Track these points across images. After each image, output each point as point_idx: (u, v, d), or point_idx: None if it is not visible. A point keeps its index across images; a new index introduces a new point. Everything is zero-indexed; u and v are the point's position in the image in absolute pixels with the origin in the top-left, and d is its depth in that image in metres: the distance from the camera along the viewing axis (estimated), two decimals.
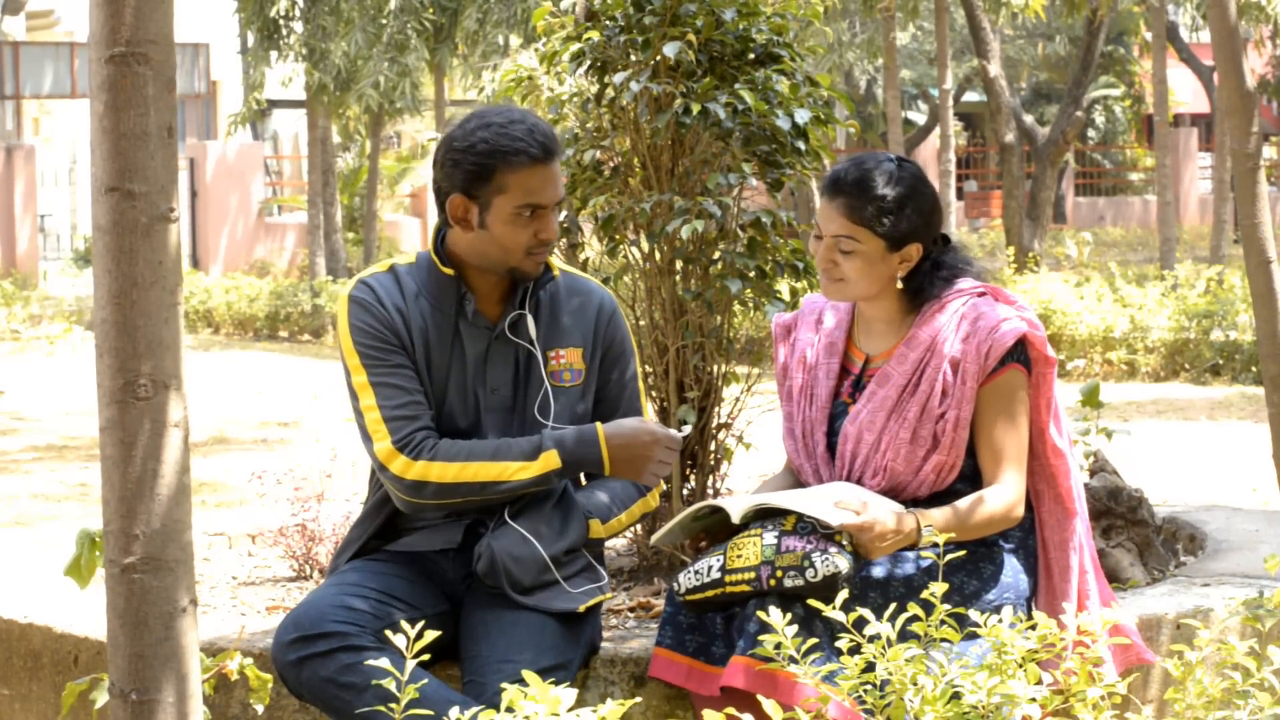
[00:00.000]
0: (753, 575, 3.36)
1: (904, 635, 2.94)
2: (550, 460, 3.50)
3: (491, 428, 3.61)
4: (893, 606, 3.00)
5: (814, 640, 2.88)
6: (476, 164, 3.49)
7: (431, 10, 20.30)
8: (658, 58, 4.27)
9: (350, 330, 3.57)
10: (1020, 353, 3.54)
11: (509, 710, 2.40)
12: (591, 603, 3.58)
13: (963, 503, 3.49)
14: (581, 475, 3.81)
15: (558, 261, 3.77)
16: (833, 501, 3.42)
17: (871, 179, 3.52)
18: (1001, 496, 3.50)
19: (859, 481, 3.56)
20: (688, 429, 3.64)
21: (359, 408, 3.56)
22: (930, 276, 3.57)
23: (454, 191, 3.53)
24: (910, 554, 3.45)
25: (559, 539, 3.56)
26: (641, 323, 4.47)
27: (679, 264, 4.38)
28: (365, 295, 3.58)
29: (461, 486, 3.50)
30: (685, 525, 3.56)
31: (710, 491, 4.50)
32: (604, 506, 3.67)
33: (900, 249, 3.54)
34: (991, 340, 3.50)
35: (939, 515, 3.45)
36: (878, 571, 3.42)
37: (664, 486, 3.91)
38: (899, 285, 3.57)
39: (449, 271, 3.58)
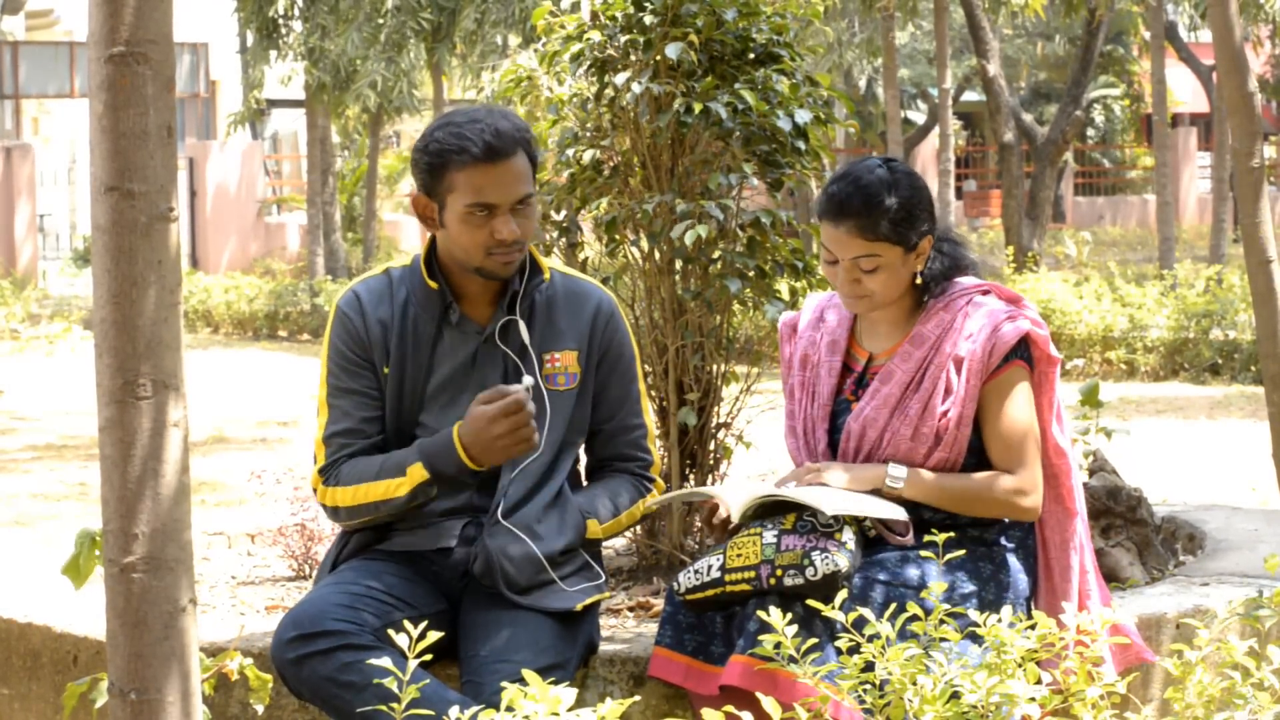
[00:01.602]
0: (753, 574, 3.36)
1: (904, 635, 2.94)
2: (417, 474, 3.52)
3: None
4: (893, 606, 3.01)
5: (814, 640, 2.88)
6: (430, 163, 3.55)
7: (429, 10, 20.29)
8: (658, 58, 4.27)
9: (329, 342, 3.66)
10: (1024, 350, 3.55)
11: (509, 710, 2.39)
12: (588, 601, 3.58)
13: (969, 475, 3.50)
14: (583, 478, 3.81)
15: (555, 263, 3.77)
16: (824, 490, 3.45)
17: (875, 193, 3.50)
18: (1012, 480, 3.50)
19: None
20: (529, 380, 3.51)
21: (316, 423, 3.67)
22: (937, 261, 3.58)
23: (419, 190, 3.59)
24: (911, 553, 3.46)
25: (555, 538, 3.56)
26: (641, 322, 4.47)
27: (678, 264, 4.38)
28: (350, 307, 3.64)
29: (361, 508, 3.58)
30: (679, 504, 3.58)
31: None
32: (603, 507, 3.67)
33: (915, 248, 3.55)
34: (995, 339, 3.51)
35: (925, 475, 3.48)
36: (878, 571, 3.42)
37: (664, 486, 3.91)
38: (919, 281, 3.58)
39: (433, 285, 3.62)
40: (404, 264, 3.70)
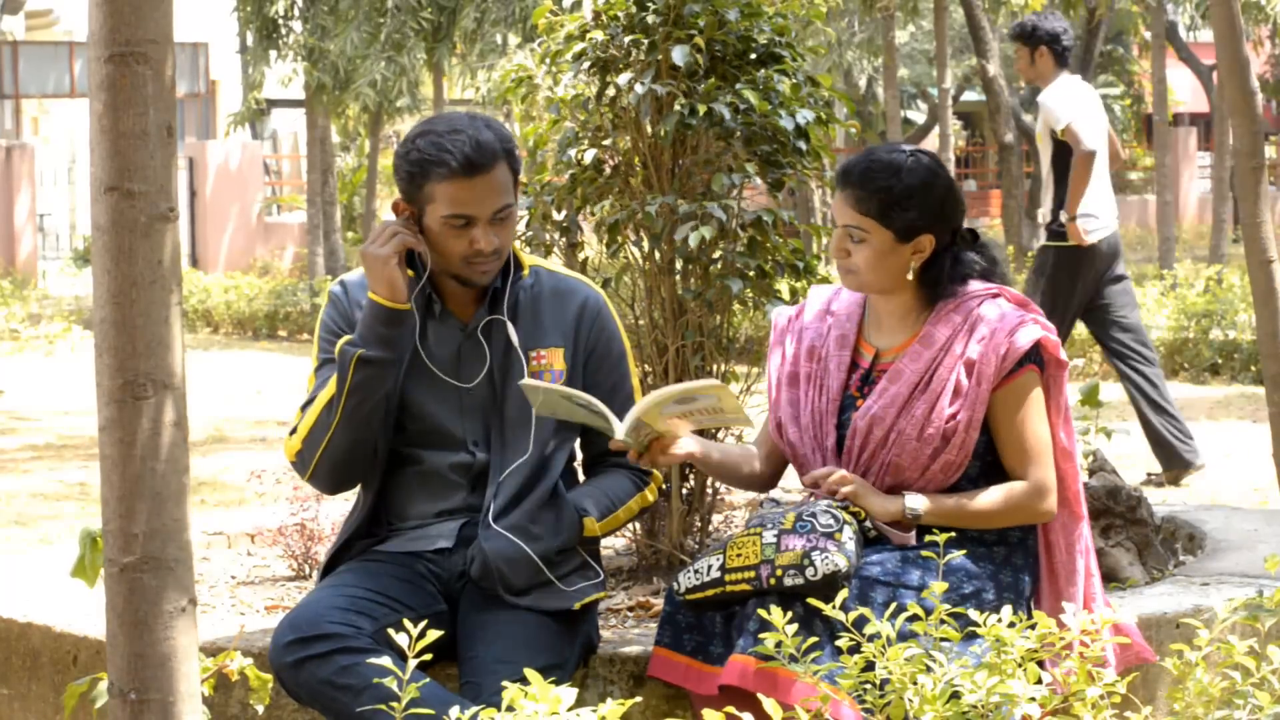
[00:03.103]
0: (752, 574, 3.36)
1: (904, 635, 2.94)
2: (341, 343, 3.53)
3: (470, 428, 3.62)
4: (893, 606, 3.01)
5: (814, 639, 2.88)
6: (410, 172, 3.55)
7: (429, 9, 20.28)
8: (660, 58, 4.27)
9: (319, 324, 3.69)
10: (1035, 355, 3.55)
11: (509, 710, 2.39)
12: (587, 600, 3.58)
13: (985, 491, 3.51)
14: (580, 474, 3.81)
15: (542, 260, 3.77)
16: None
17: (876, 171, 3.53)
18: (1028, 486, 3.51)
19: (863, 477, 3.56)
20: (392, 220, 3.58)
21: (306, 396, 3.68)
22: (948, 270, 3.57)
23: (400, 195, 3.59)
24: (911, 553, 3.45)
25: (551, 538, 3.56)
26: (641, 322, 4.47)
27: (679, 264, 4.38)
28: (338, 291, 3.69)
29: (315, 428, 3.56)
30: (560, 400, 3.46)
31: (709, 491, 4.50)
32: (598, 504, 3.66)
33: (910, 240, 3.54)
34: (1008, 344, 3.50)
35: (943, 500, 3.48)
36: (878, 571, 3.42)
37: (664, 484, 3.90)
38: (911, 277, 3.57)
39: (409, 273, 3.62)
40: None
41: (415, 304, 3.62)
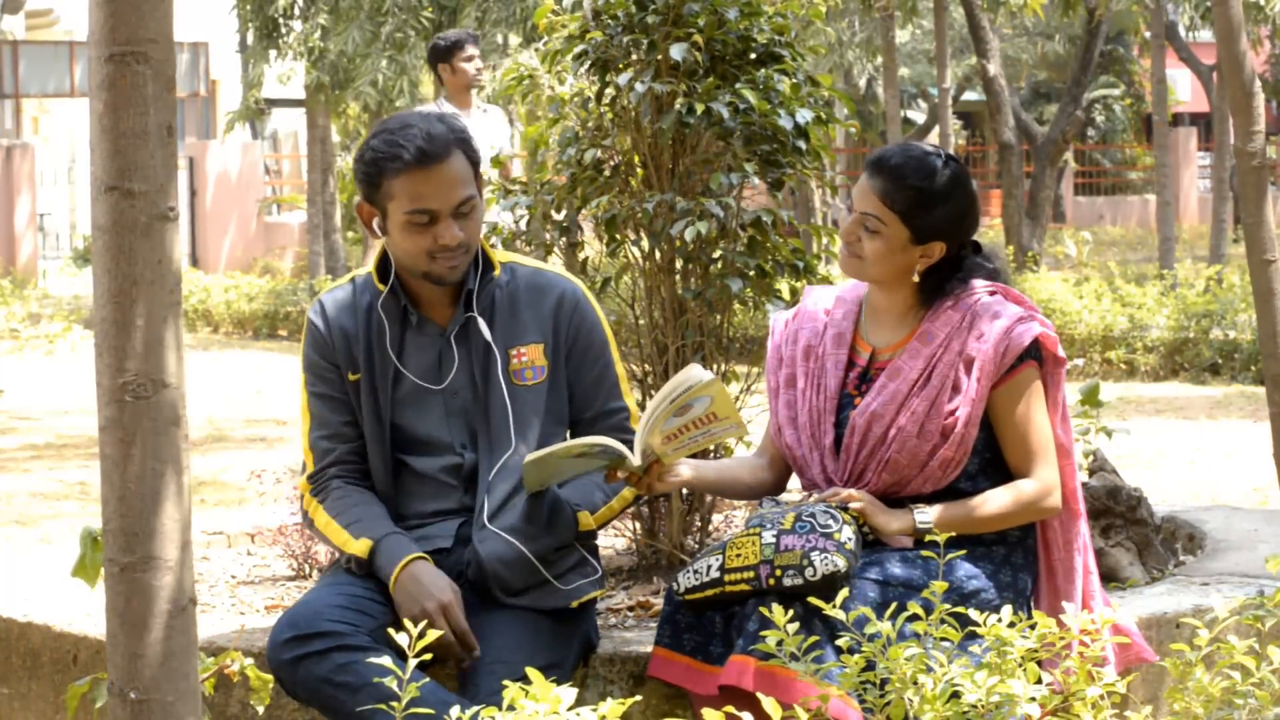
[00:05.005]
0: (752, 574, 3.36)
1: (903, 635, 2.95)
2: (360, 548, 3.53)
3: (456, 431, 3.62)
4: (893, 606, 3.01)
5: (814, 639, 2.88)
6: (367, 172, 3.56)
7: (430, 9, 20.28)
8: (660, 57, 4.27)
9: (303, 351, 3.70)
10: (1034, 351, 3.55)
11: (509, 709, 2.39)
12: (585, 599, 3.58)
13: (990, 495, 3.51)
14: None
15: (519, 257, 3.77)
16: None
17: (911, 169, 3.53)
18: (1034, 484, 3.51)
19: (860, 475, 3.56)
20: (477, 654, 3.45)
21: (301, 427, 3.72)
22: (947, 276, 3.58)
23: (361, 198, 3.60)
24: (909, 553, 3.45)
25: (546, 537, 3.55)
26: (641, 322, 4.47)
27: (679, 263, 4.38)
28: (315, 317, 3.69)
29: (326, 538, 3.63)
30: (560, 461, 3.45)
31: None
32: (591, 498, 3.66)
33: (923, 243, 3.55)
34: (1008, 341, 3.51)
35: (950, 509, 3.48)
36: (877, 571, 3.42)
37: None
38: (915, 279, 3.57)
39: (381, 287, 3.63)
40: (369, 271, 3.71)
41: (391, 316, 3.62)
